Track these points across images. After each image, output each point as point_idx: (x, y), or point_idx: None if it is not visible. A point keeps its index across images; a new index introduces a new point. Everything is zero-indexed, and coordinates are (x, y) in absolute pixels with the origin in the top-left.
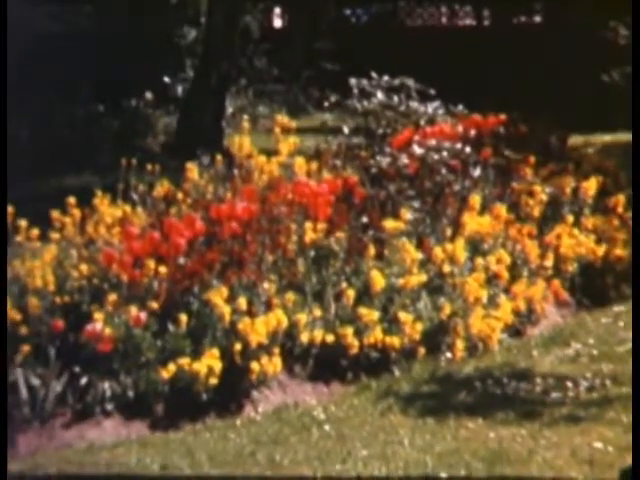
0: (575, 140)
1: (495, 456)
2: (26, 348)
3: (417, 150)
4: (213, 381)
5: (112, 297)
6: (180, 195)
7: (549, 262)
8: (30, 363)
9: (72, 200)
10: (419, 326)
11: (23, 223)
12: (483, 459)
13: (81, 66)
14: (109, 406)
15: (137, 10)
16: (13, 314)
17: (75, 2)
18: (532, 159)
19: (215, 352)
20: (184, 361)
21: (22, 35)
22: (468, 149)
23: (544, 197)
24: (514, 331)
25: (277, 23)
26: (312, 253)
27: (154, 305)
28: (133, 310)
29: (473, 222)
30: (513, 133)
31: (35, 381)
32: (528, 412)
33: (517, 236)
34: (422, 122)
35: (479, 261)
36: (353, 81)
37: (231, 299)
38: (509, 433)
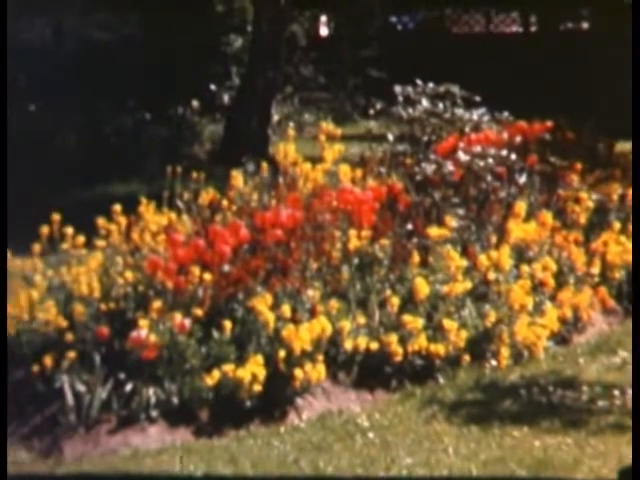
0: (622, 146)
1: (540, 465)
2: (72, 355)
3: (462, 157)
4: (257, 388)
5: (157, 304)
6: (225, 203)
7: (596, 269)
8: (76, 370)
9: (118, 208)
10: (464, 334)
11: (69, 230)
12: (528, 468)
13: (128, 74)
14: (154, 412)
15: (184, 18)
16: (59, 321)
17: (122, 11)
18: (579, 166)
19: (259, 359)
20: (228, 368)
21: (70, 44)
22: (514, 156)
23: (591, 204)
24: (560, 339)
25: (323, 31)
26: (356, 260)
27: (199, 312)
28: (178, 317)
29: (518, 229)
30: (559, 140)
31: (80, 387)
32: (574, 420)
33: (563, 243)
34: (467, 129)
35: (525, 268)
36: (398, 88)
37: (275, 306)
38: (555, 441)
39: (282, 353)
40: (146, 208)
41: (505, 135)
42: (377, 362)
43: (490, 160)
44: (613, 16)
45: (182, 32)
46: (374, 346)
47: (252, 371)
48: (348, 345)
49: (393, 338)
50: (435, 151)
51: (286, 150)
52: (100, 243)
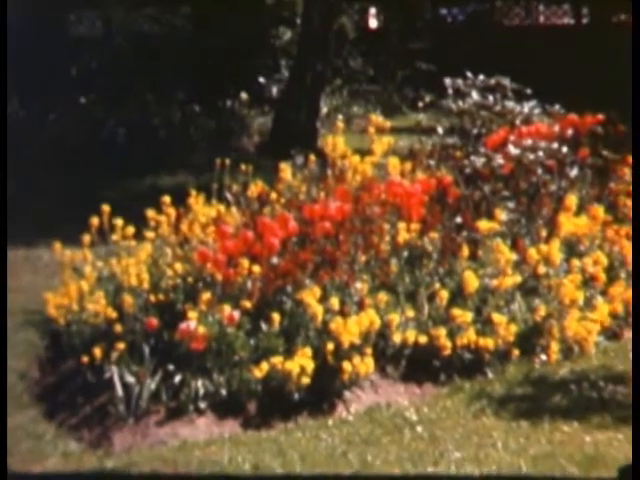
0: None
1: (591, 461)
2: (121, 346)
3: (512, 150)
4: (305, 380)
5: (206, 296)
6: (274, 195)
7: None
8: (125, 361)
9: (167, 199)
10: (513, 328)
11: (119, 222)
12: (579, 463)
13: (178, 66)
14: (202, 404)
15: (233, 11)
16: (109, 312)
17: (172, 4)
18: (631, 159)
19: (307, 351)
20: (277, 360)
21: (120, 37)
22: (565, 149)
23: None
24: (611, 334)
25: (373, 23)
26: (405, 253)
27: (247, 304)
28: (227, 309)
29: (569, 223)
30: (611, 133)
31: (130, 379)
32: (625, 416)
33: (615, 237)
34: (518, 122)
35: (575, 262)
36: (448, 81)
37: (324, 299)
38: (605, 437)
39: (330, 346)
40: (195, 200)
41: (556, 128)
42: (426, 356)
43: (541, 153)
44: None
45: (231, 25)
46: (423, 339)
47: (300, 364)
48: (396, 338)
49: (442, 332)
50: (485, 144)
51: (335, 143)
52: (149, 234)
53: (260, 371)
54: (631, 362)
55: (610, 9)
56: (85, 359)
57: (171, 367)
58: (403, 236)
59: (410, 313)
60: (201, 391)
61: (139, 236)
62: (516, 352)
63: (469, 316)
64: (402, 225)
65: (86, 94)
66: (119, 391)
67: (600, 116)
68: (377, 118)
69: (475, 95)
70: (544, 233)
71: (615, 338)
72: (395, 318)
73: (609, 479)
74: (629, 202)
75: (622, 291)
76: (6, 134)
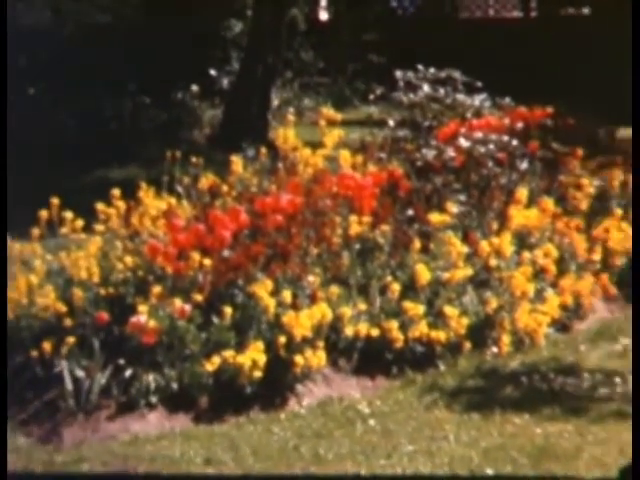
0: (624, 132)
1: (542, 452)
2: (71, 340)
3: (463, 143)
4: (257, 374)
5: (157, 289)
6: (225, 188)
7: (597, 256)
8: (75, 355)
9: (117, 192)
10: (465, 320)
11: (69, 214)
12: (529, 455)
13: (128, 57)
14: (153, 399)
15: (184, 2)
16: (58, 306)
17: None
18: (580, 152)
19: (259, 345)
20: (228, 354)
21: (70, 27)
22: (515, 142)
23: (592, 190)
24: (561, 326)
25: (323, 16)
26: (357, 246)
27: (199, 297)
28: (177, 302)
29: (520, 215)
30: (561, 126)
31: (80, 373)
32: (575, 408)
33: (565, 230)
34: (468, 114)
35: (526, 255)
36: (399, 73)
37: (275, 292)
38: (556, 429)
39: (282, 339)
40: (145, 193)
41: (506, 121)
42: (378, 348)
43: (491, 146)
44: (614, 1)
45: (182, 16)
46: (375, 332)
47: (252, 357)
48: (349, 331)
49: (394, 324)
50: (436, 137)
51: (286, 135)
52: (99, 227)
53: (212, 365)
54: (582, 354)
55: (558, 2)
56: (34, 353)
57: (122, 361)
58: (355, 229)
59: (362, 306)
60: (152, 385)
61: (89, 229)
62: (467, 344)
63: (421, 309)
64: (354, 218)
65: (35, 84)
66: (69, 385)
67: (549, 109)
68: (328, 111)
69: (426, 88)
70: (495, 226)
71: (565, 330)
72: (347, 311)
73: (608, 479)
74: (578, 194)
75: (572, 283)
76: (6, 133)
